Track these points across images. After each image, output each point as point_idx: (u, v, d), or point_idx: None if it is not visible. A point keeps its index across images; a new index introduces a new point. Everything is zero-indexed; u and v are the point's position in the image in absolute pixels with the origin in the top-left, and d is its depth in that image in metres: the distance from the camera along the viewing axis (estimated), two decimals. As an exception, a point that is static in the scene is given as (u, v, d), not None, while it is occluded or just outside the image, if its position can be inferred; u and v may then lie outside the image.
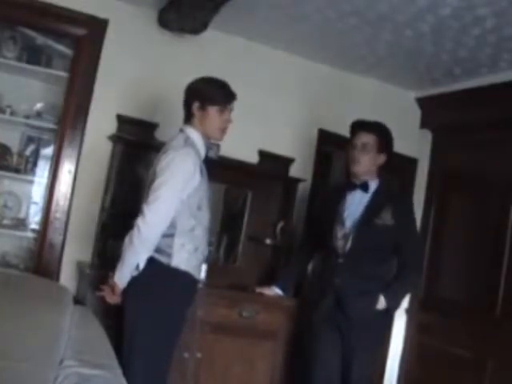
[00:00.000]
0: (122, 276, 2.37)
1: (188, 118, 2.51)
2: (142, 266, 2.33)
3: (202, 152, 2.50)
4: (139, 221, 2.31)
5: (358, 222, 2.79)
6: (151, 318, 2.36)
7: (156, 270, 2.38)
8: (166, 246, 2.38)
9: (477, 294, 3.59)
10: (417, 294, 3.95)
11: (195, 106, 2.46)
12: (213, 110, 2.46)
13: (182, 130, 2.51)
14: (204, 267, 2.58)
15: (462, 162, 3.95)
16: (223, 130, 2.51)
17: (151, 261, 2.37)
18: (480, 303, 3.54)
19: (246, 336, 3.18)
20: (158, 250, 2.38)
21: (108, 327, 2.48)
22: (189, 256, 2.40)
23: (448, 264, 3.93)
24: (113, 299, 2.44)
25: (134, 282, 2.39)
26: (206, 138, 2.51)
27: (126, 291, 2.42)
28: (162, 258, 2.39)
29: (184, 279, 2.42)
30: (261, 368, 3.25)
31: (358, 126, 2.87)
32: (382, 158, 2.86)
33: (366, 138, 2.82)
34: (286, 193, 3.75)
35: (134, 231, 2.31)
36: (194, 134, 2.47)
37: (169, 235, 2.38)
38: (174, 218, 2.37)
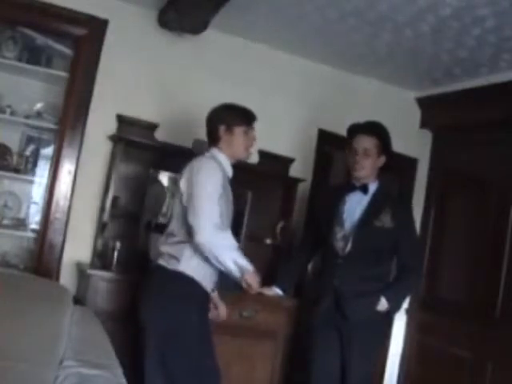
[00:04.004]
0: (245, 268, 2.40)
1: (213, 142, 2.59)
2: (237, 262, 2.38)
3: (229, 171, 2.57)
4: (199, 241, 2.34)
5: (357, 224, 2.79)
6: (161, 323, 2.38)
7: (163, 276, 2.43)
8: (176, 252, 2.42)
9: (477, 294, 3.59)
10: (417, 294, 3.95)
11: (222, 128, 2.55)
12: (239, 131, 2.55)
13: (208, 152, 2.59)
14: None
15: (461, 162, 3.95)
16: (249, 149, 2.62)
17: (159, 268, 2.44)
18: (480, 303, 3.55)
19: (246, 336, 3.18)
20: (166, 257, 2.44)
21: (115, 331, 2.51)
22: (197, 265, 2.42)
23: (448, 264, 3.93)
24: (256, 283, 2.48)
25: (146, 293, 2.46)
26: (232, 158, 2.58)
27: (141, 304, 2.48)
28: (170, 265, 2.42)
29: (187, 283, 2.41)
30: (261, 368, 3.25)
31: (358, 130, 2.84)
32: (381, 160, 2.86)
33: (367, 143, 2.80)
34: (286, 193, 3.75)
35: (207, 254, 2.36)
36: (219, 155, 2.55)
37: (181, 242, 2.43)
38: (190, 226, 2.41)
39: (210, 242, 2.33)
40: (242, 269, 2.40)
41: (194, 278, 2.41)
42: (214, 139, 2.58)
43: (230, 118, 2.56)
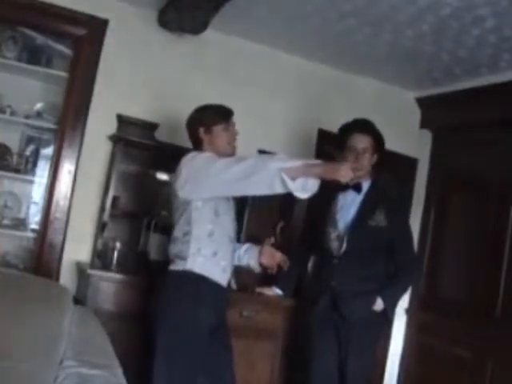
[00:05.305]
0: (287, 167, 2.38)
1: (197, 146, 2.59)
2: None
3: None
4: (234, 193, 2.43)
5: (351, 224, 2.79)
6: (167, 321, 2.39)
7: (175, 278, 2.45)
8: (182, 252, 2.43)
9: (477, 294, 3.58)
10: (417, 294, 3.95)
11: (201, 131, 2.56)
12: (218, 129, 2.55)
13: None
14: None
15: (461, 162, 3.95)
16: (233, 144, 2.60)
17: (170, 272, 2.45)
18: (480, 303, 3.54)
19: (246, 336, 3.17)
20: (173, 259, 2.46)
21: (115, 331, 2.52)
22: (205, 260, 2.42)
23: (448, 264, 3.93)
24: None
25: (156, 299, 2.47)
26: (219, 156, 2.55)
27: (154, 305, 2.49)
28: (179, 266, 2.43)
29: (198, 282, 2.41)
30: (261, 368, 3.25)
31: (354, 129, 2.84)
32: (375, 158, 2.87)
33: (365, 142, 2.80)
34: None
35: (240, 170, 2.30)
36: None
37: (184, 242, 2.43)
38: (190, 224, 2.42)
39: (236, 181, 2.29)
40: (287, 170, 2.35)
41: (205, 276, 2.41)
42: (197, 143, 2.60)
43: (207, 118, 2.57)
